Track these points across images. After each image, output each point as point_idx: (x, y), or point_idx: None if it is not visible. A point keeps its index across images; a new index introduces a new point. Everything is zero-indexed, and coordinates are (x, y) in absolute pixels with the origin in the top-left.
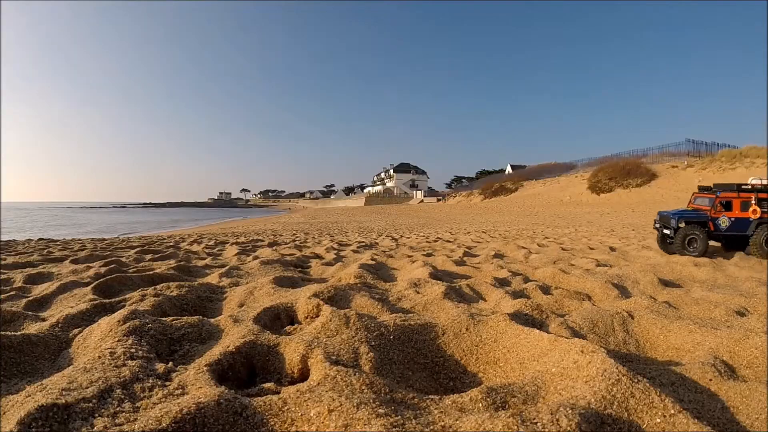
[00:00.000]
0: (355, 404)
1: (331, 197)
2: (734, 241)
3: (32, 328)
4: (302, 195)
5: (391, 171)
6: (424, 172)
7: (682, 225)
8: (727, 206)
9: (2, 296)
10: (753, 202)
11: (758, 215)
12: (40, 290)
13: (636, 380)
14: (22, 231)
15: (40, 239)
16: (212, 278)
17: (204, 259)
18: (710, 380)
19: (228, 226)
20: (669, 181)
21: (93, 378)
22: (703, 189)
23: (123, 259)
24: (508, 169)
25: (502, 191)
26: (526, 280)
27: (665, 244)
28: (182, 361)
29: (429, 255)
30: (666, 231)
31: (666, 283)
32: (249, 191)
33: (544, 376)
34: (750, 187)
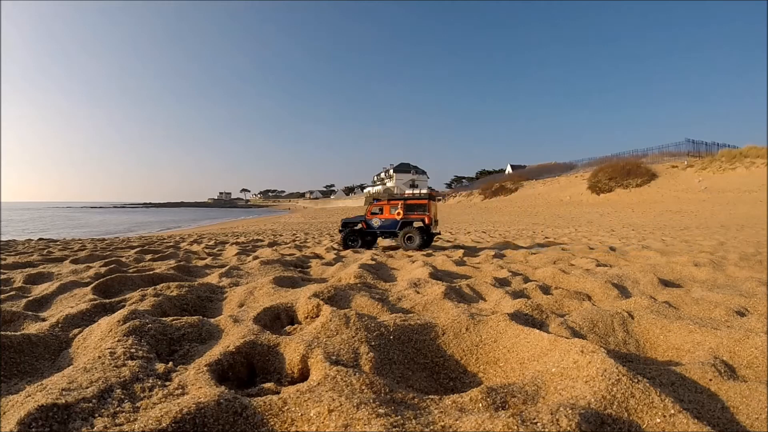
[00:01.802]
0: (355, 404)
1: (331, 197)
2: (390, 234)
3: (32, 328)
4: (302, 195)
5: (391, 171)
6: (424, 172)
7: (342, 226)
8: (381, 210)
9: (2, 296)
10: (399, 207)
11: (401, 216)
12: (40, 290)
13: (636, 380)
14: (43, 231)
15: (40, 239)
16: (212, 278)
17: (204, 259)
18: (710, 380)
19: (228, 226)
20: (669, 181)
21: (93, 378)
22: (377, 199)
23: (123, 259)
24: (508, 169)
25: (502, 191)
26: (526, 280)
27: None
28: (182, 361)
29: (429, 255)
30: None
31: (666, 283)
32: (249, 191)
33: (544, 376)
34: (400, 195)
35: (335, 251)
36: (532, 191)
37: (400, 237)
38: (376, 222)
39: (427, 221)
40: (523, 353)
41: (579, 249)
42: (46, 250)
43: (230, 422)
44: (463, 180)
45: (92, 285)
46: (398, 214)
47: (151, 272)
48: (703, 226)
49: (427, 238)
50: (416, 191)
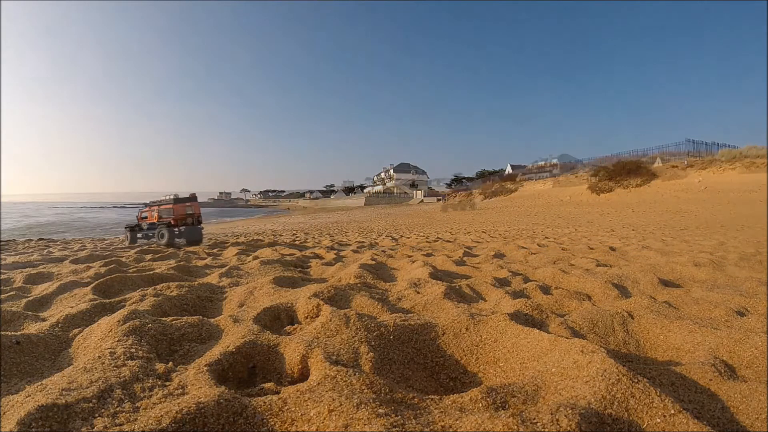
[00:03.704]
0: (355, 404)
1: (331, 197)
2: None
3: (32, 328)
4: (302, 195)
5: (391, 171)
6: (424, 172)
7: (126, 228)
8: (147, 216)
9: (2, 296)
10: (155, 212)
11: (156, 219)
12: (40, 290)
13: (636, 380)
14: (62, 233)
15: (40, 239)
16: (212, 278)
17: (204, 259)
18: (710, 380)
19: (228, 226)
20: (669, 181)
21: (93, 378)
22: (146, 204)
23: (123, 259)
24: (508, 169)
25: (502, 191)
26: (526, 280)
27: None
28: (182, 361)
29: (429, 255)
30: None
31: (666, 283)
32: (249, 191)
33: (544, 376)
34: (154, 202)
35: (335, 251)
36: (532, 191)
37: (156, 234)
38: (144, 225)
39: (172, 222)
40: (523, 353)
41: (579, 249)
42: (46, 250)
43: (230, 422)
44: (463, 180)
45: (92, 285)
46: (155, 217)
47: (151, 272)
48: (703, 226)
49: (193, 238)
50: (166, 197)
